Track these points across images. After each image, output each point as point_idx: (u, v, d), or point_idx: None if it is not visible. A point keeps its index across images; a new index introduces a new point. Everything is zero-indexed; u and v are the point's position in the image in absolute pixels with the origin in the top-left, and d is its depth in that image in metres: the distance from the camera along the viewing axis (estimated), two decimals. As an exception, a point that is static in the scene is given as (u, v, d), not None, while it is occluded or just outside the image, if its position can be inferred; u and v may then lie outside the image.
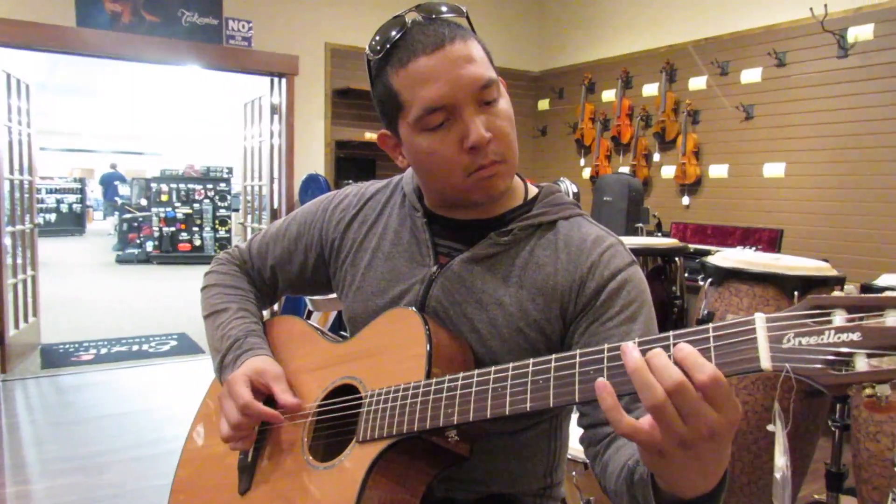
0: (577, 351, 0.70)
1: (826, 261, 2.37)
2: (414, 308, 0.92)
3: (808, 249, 3.63)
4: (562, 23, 5.56)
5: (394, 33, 0.88)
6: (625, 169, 4.80)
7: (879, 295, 0.55)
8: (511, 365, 0.75)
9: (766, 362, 0.58)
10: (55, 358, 4.67)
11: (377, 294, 1.02)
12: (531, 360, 0.73)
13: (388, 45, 0.88)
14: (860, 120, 3.51)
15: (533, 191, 1.03)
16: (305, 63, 4.81)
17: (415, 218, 1.02)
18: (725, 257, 2.37)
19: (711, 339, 0.61)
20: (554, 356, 0.71)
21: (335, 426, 0.94)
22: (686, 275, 3.35)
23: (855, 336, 0.54)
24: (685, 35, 4.45)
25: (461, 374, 0.79)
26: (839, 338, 0.55)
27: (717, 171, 4.27)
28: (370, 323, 0.97)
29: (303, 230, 1.13)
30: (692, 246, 3.95)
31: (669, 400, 0.58)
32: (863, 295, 0.55)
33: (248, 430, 0.95)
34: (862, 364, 0.54)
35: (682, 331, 0.64)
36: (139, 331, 5.54)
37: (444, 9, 0.90)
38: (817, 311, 0.57)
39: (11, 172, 4.45)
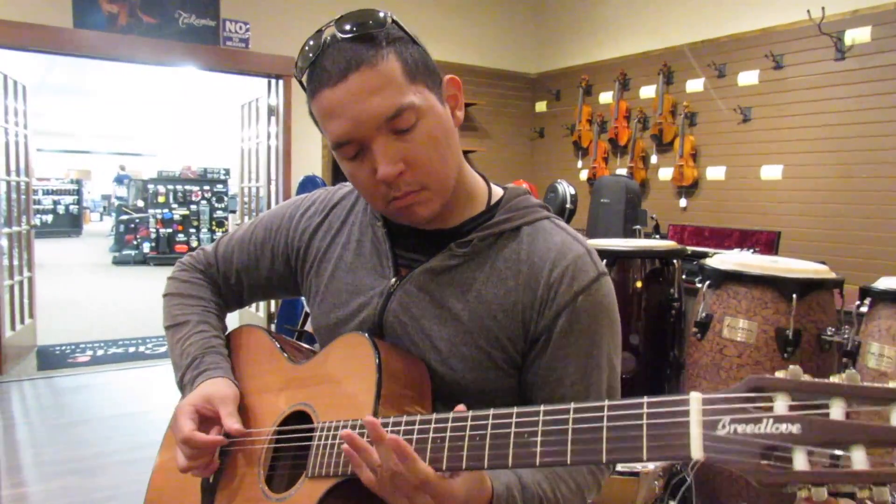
0: (542, 407, 0.66)
1: (824, 263, 2.37)
2: (366, 335, 0.88)
3: (806, 252, 3.63)
4: (559, 25, 5.57)
5: (310, 56, 0.83)
6: (622, 171, 4.79)
7: (827, 381, 0.50)
8: (451, 415, 0.72)
9: (696, 451, 0.53)
10: (51, 359, 4.65)
11: (338, 306, 0.98)
12: (470, 413, 0.70)
13: (306, 69, 0.85)
14: (857, 122, 3.51)
15: (498, 194, 0.96)
16: (303, 64, 4.79)
17: (375, 228, 0.98)
18: (723, 260, 2.37)
19: (645, 416, 0.57)
20: (516, 410, 0.68)
21: (291, 455, 0.93)
22: (684, 277, 3.35)
23: (794, 428, 0.49)
24: (682, 37, 4.45)
25: (404, 419, 0.75)
26: (777, 428, 0.50)
27: (715, 173, 4.27)
28: (326, 346, 0.95)
29: (269, 236, 1.09)
30: (690, 248, 3.94)
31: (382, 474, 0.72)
32: (809, 380, 0.51)
33: (204, 458, 0.93)
34: (800, 462, 0.48)
35: (616, 402, 0.60)
36: (135, 332, 5.52)
37: (354, 26, 0.82)
38: (758, 395, 0.52)
39: (8, 174, 4.44)
